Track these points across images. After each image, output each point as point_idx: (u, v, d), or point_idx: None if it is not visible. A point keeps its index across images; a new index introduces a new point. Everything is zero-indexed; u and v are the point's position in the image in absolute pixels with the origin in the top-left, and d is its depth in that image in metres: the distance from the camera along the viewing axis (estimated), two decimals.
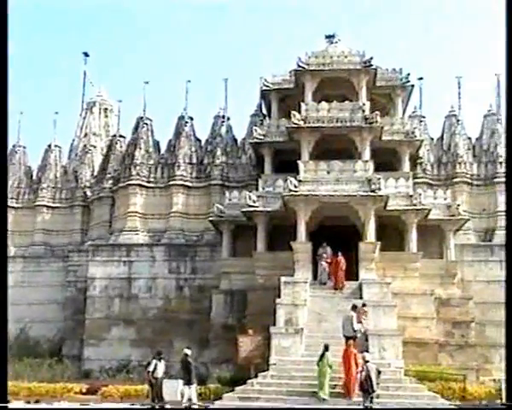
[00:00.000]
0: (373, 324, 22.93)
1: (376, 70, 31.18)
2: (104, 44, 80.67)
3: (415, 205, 27.97)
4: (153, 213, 33.25)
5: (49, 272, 34.83)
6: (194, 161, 34.06)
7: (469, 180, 32.16)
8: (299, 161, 28.49)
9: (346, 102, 30.48)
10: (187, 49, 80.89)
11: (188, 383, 20.50)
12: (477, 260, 30.02)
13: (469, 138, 33.99)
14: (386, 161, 29.93)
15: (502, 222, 30.56)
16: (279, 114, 32.15)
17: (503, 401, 20.11)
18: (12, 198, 35.96)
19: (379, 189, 26.92)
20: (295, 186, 27.13)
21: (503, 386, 20.34)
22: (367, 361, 19.15)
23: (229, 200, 30.12)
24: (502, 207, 30.74)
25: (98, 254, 32.07)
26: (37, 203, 36.46)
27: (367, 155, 28.97)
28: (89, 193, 36.37)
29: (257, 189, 29.59)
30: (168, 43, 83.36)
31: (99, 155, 38.90)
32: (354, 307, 22.19)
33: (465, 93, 34.91)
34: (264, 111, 34.43)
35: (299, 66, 31.02)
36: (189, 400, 20.41)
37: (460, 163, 32.30)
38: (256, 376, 21.61)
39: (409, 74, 32.34)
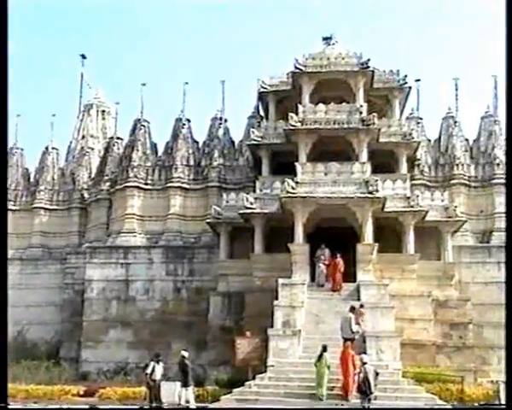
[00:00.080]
0: (371, 325, 22.94)
1: (373, 72, 31.19)
2: (101, 46, 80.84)
3: (412, 207, 27.99)
4: (150, 215, 33.22)
5: (46, 275, 34.85)
6: (192, 163, 34.05)
7: (467, 182, 32.16)
8: (296, 163, 28.49)
9: (344, 103, 30.48)
10: (184, 52, 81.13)
11: (185, 385, 20.52)
12: (474, 262, 30.04)
13: (467, 140, 34.00)
14: (383, 162, 29.95)
15: (499, 224, 30.62)
16: (276, 116, 32.14)
17: (501, 401, 20.15)
18: (9, 200, 35.87)
19: (376, 190, 26.93)
20: (293, 188, 27.13)
21: (501, 387, 20.40)
22: (365, 363, 19.12)
23: (227, 202, 30.12)
24: (499, 208, 30.82)
25: (96, 256, 32.06)
26: (34, 205, 36.44)
27: (364, 156, 28.97)
28: (86, 195, 36.36)
29: (254, 191, 29.59)
30: (165, 45, 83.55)
31: (96, 157, 38.92)
32: (352, 309, 22.23)
33: (462, 95, 34.92)
34: (262, 113, 34.42)
35: (297, 68, 31.02)
36: (187, 402, 20.42)
37: (457, 165, 32.31)
38: (254, 378, 21.59)
39: (406, 76, 32.39)
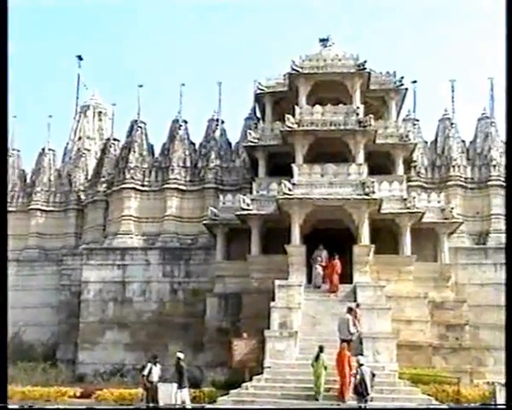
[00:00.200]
0: (367, 327, 22.96)
1: (370, 73, 31.21)
2: (98, 47, 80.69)
3: (409, 208, 28.00)
4: (147, 216, 33.20)
5: (43, 276, 34.80)
6: (188, 164, 34.04)
7: (463, 183, 32.18)
8: (293, 165, 28.53)
9: (340, 105, 30.49)
10: (181, 53, 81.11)
11: (180, 386, 20.51)
12: (471, 263, 30.06)
13: (463, 142, 34.02)
14: (380, 164, 29.99)
15: (495, 225, 30.68)
16: (273, 118, 32.14)
17: (499, 401, 20.15)
18: None
19: (373, 192, 26.97)
20: (289, 189, 27.16)
21: (497, 388, 20.43)
22: (361, 364, 19.14)
23: (224, 203, 30.12)
24: (495, 210, 30.89)
25: (92, 257, 32.05)
26: (31, 207, 36.42)
27: (361, 158, 29.00)
28: (83, 197, 36.34)
29: (251, 192, 29.59)
30: (162, 46, 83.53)
31: (93, 159, 38.89)
32: (350, 310, 22.25)
33: (459, 96, 34.98)
34: (259, 114, 34.45)
35: (293, 69, 31.03)
36: (183, 403, 20.39)
37: (454, 166, 32.34)
38: (250, 379, 21.62)
39: (402, 78, 32.39)
